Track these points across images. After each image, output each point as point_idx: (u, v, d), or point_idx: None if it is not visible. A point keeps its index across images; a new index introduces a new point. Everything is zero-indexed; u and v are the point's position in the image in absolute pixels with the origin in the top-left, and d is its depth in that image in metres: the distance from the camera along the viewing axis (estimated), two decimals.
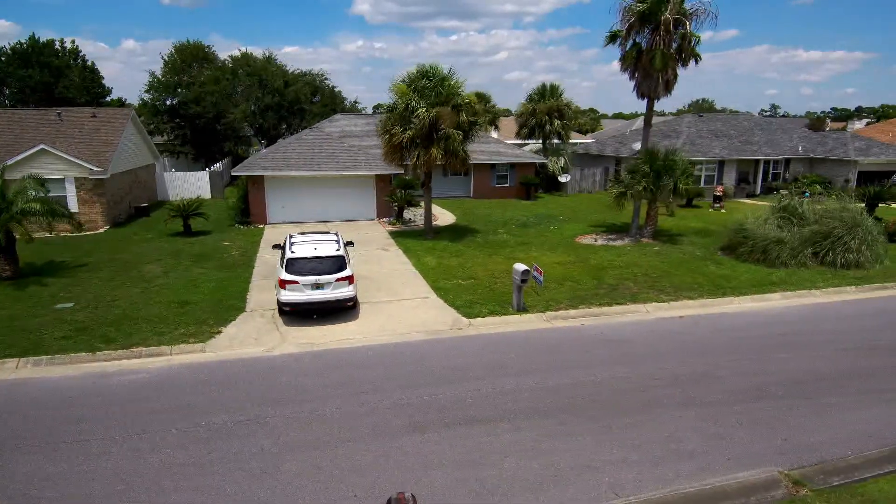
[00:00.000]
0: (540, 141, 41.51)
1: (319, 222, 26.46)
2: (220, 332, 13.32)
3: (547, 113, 37.87)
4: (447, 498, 7.62)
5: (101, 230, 25.21)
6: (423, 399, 10.23)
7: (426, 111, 20.60)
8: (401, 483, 7.85)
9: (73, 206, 24.96)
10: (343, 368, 11.59)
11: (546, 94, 38.60)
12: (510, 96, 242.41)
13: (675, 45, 21.19)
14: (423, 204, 32.54)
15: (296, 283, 13.36)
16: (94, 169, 24.75)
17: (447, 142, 21.14)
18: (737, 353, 12.51)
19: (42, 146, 24.01)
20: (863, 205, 26.33)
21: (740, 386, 10.92)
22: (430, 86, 20.97)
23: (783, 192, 34.80)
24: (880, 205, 27.39)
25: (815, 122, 75.98)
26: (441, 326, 14.00)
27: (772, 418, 9.72)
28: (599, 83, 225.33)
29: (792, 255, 19.11)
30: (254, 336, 13.18)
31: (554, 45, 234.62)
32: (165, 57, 47.30)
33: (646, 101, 23.11)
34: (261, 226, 25.77)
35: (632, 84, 22.78)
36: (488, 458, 8.51)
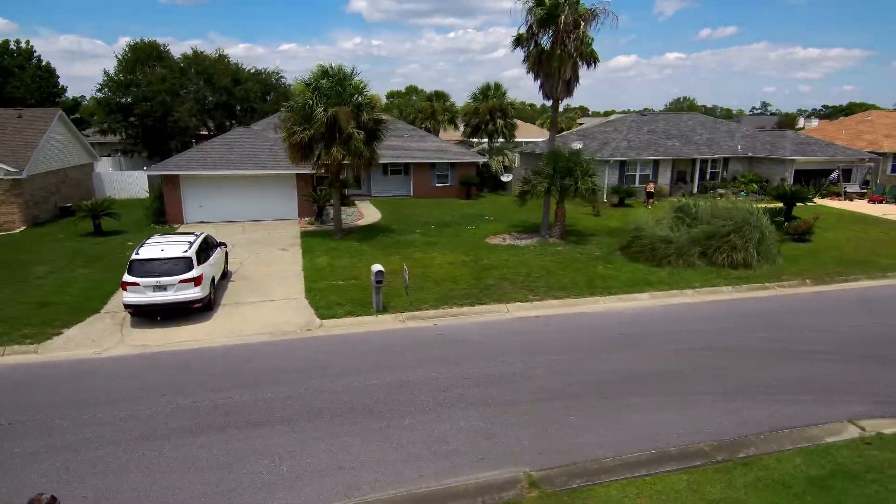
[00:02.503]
0: (499, 140, 41.77)
1: (239, 222, 26.50)
2: (61, 333, 13.36)
3: (489, 112, 37.93)
4: (175, 500, 7.70)
5: (17, 230, 25.20)
6: (218, 401, 10.30)
7: (324, 111, 20.64)
8: (134, 487, 7.94)
9: None
10: (162, 371, 11.65)
11: (489, 94, 38.66)
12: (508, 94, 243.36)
13: (573, 47, 21.22)
14: (356, 203, 32.78)
15: (136, 284, 13.40)
16: (10, 170, 24.73)
17: (349, 141, 21.15)
18: (567, 352, 12.59)
19: None
20: (780, 204, 26.55)
21: (547, 385, 11.00)
22: (328, 85, 20.98)
23: (720, 190, 35.04)
24: (799, 204, 27.40)
25: (786, 121, 76.22)
26: (291, 328, 14.06)
27: (551, 418, 9.81)
28: (598, 80, 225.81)
29: (678, 254, 19.23)
30: (93, 338, 13.23)
31: None
32: (119, 55, 47.29)
33: (560, 100, 23.23)
34: (176, 226, 25.76)
35: (537, 85, 22.88)
36: (243, 460, 8.58)
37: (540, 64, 22.15)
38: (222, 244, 17.20)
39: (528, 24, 21.82)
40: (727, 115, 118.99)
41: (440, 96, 52.21)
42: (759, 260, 19.28)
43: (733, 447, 9.06)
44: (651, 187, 33.71)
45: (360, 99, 21.70)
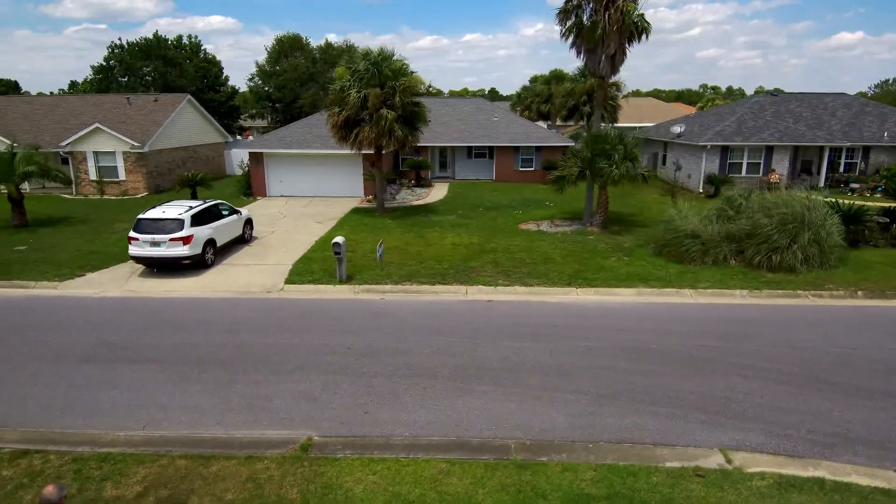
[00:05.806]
0: (608, 123, 39.60)
1: (310, 197, 28.91)
2: (83, 275, 16.22)
3: (586, 93, 35.98)
4: (15, 401, 9.31)
5: (140, 195, 30.35)
6: (133, 340, 11.83)
7: (357, 92, 21.66)
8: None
9: (122, 174, 30.43)
10: (122, 311, 13.64)
11: (588, 73, 36.56)
12: (701, 75, 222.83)
13: (614, 18, 19.49)
14: (434, 184, 33.63)
15: (137, 239, 15.72)
16: (134, 144, 29.81)
17: (380, 122, 21.94)
18: (473, 336, 12.05)
19: (97, 125, 29.58)
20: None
21: (416, 363, 10.78)
22: (364, 67, 21.90)
23: (853, 185, 29.47)
24: None
25: None
26: (257, 289, 15.37)
27: (386, 393, 9.72)
28: (812, 60, 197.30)
29: (703, 251, 16.94)
30: (103, 281, 15.85)
31: (759, 19, 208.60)
32: (268, 48, 53.49)
33: (605, 78, 21.61)
34: (259, 198, 28.91)
35: (582, 62, 21.46)
36: (95, 386, 9.92)
37: (581, 38, 20.73)
38: (237, 212, 19.13)
39: None
40: None
41: (558, 77, 50.49)
42: (807, 264, 16.25)
43: (540, 449, 8.23)
44: (775, 177, 29.45)
45: (400, 81, 22.28)
